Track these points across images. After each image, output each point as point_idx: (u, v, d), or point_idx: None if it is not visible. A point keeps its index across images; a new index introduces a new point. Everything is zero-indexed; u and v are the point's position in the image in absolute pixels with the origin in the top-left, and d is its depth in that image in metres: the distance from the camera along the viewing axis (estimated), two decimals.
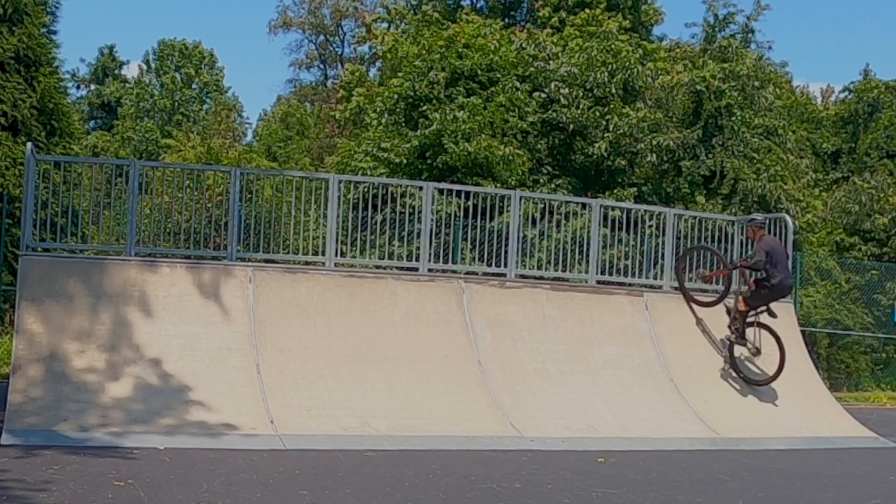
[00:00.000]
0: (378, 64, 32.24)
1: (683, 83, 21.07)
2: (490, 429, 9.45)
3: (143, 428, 8.28)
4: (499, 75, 20.77)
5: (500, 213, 12.67)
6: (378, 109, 21.72)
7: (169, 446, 7.93)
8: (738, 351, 11.54)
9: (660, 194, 20.70)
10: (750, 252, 12.09)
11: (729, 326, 11.59)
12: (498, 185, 18.08)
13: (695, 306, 11.95)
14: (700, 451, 9.62)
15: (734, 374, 11.39)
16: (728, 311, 11.71)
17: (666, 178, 21.27)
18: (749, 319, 11.47)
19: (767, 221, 12.19)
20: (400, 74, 21.47)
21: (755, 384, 11.36)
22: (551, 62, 21.40)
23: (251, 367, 9.28)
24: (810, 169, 24.30)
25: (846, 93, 32.84)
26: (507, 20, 27.98)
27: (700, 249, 12.65)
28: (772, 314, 11.45)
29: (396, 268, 12.09)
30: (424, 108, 19.88)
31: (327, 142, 33.38)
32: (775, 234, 13.11)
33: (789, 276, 11.74)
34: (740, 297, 11.55)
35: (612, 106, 20.59)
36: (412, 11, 29.61)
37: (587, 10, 24.59)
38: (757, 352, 11.51)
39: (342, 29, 45.58)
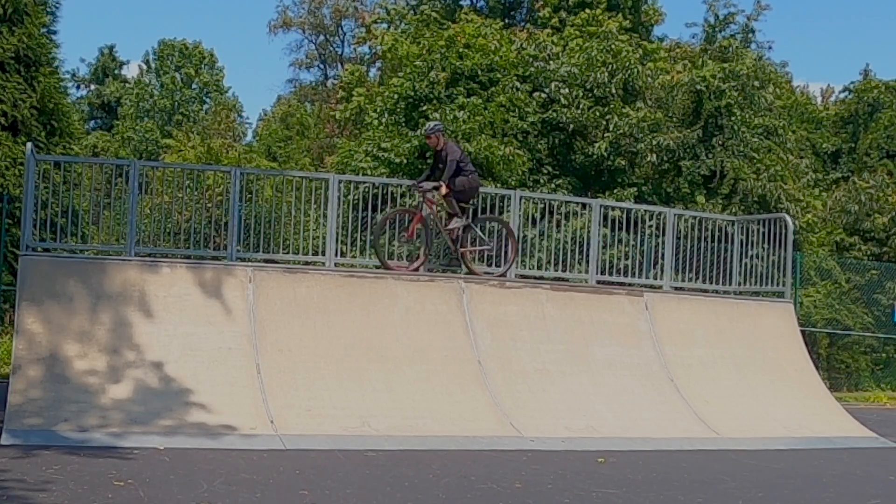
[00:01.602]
0: (378, 64, 32.25)
1: (683, 83, 21.08)
2: (490, 429, 9.45)
3: (143, 428, 8.28)
4: (499, 75, 20.77)
5: (501, 213, 12.67)
6: (378, 109, 21.73)
7: (169, 446, 7.93)
8: (466, 250, 11.35)
9: (660, 194, 20.71)
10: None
11: (455, 251, 11.30)
12: (498, 185, 18.08)
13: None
14: (700, 451, 9.62)
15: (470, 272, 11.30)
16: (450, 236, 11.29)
17: (666, 178, 21.28)
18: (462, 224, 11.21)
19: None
20: (400, 74, 21.48)
21: (501, 275, 11.43)
22: (551, 62, 21.41)
23: (251, 367, 9.28)
24: (810, 169, 24.31)
25: (846, 93, 32.85)
26: (506, 20, 27.99)
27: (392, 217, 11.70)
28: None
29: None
30: (425, 108, 19.89)
31: (327, 142, 33.40)
32: (775, 234, 13.13)
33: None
34: (441, 215, 11.24)
35: (612, 106, 20.59)
36: (412, 11, 29.62)
37: (587, 11, 24.60)
38: (487, 243, 11.47)
39: (342, 29, 45.63)
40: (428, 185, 11.11)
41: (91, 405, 8.45)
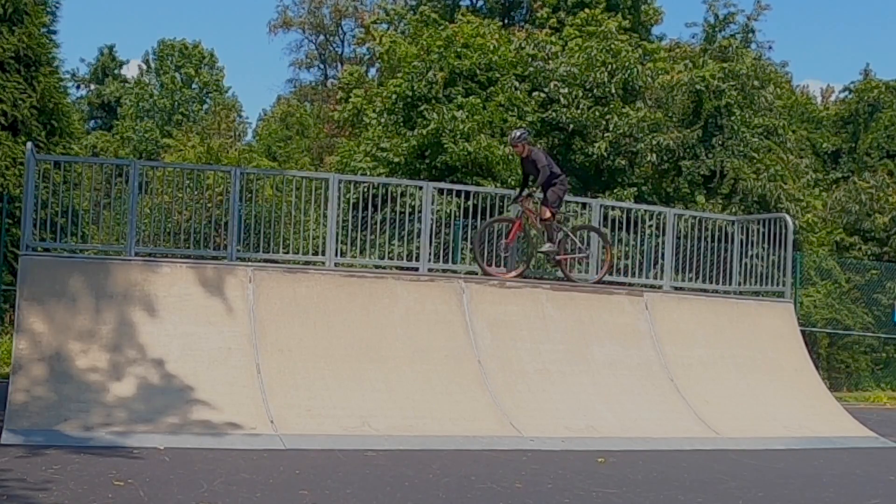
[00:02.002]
0: (377, 65, 32.26)
1: (683, 83, 21.09)
2: (490, 429, 9.45)
3: (143, 428, 8.28)
4: (498, 75, 20.78)
5: (501, 213, 12.67)
6: (377, 109, 21.75)
7: (169, 446, 7.93)
8: (565, 258, 11.63)
9: (660, 194, 20.72)
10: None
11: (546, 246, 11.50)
12: (498, 184, 18.08)
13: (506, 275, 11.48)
14: (700, 451, 9.61)
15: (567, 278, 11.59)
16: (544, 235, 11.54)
17: (666, 177, 21.29)
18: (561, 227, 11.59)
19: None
20: (399, 75, 21.49)
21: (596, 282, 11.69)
22: (550, 62, 21.42)
23: (251, 367, 9.28)
24: (810, 169, 24.32)
25: (846, 93, 32.85)
26: (505, 21, 28.01)
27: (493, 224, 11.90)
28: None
29: (396, 268, 12.10)
30: (423, 107, 19.90)
31: (327, 142, 33.42)
32: (775, 234, 13.13)
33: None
34: (542, 208, 11.38)
35: (611, 106, 20.60)
36: (411, 12, 29.63)
37: (586, 10, 24.61)
38: (583, 251, 11.78)
39: (342, 29, 45.64)
40: (527, 198, 11.47)
41: (92, 404, 8.45)
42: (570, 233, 11.80)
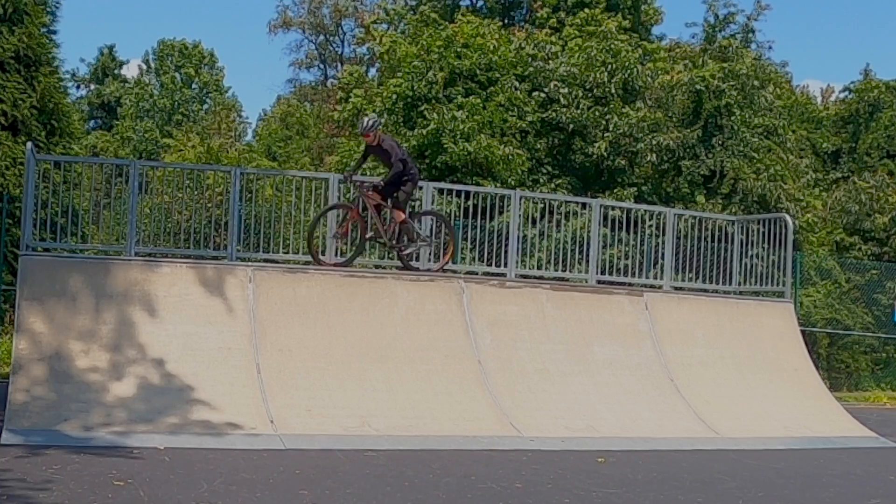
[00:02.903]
0: (377, 64, 32.26)
1: (683, 83, 21.09)
2: (490, 428, 9.45)
3: (143, 428, 8.28)
4: (498, 75, 20.78)
5: (500, 212, 12.68)
6: (377, 109, 21.74)
7: (169, 446, 7.93)
8: (411, 249, 11.05)
9: (660, 194, 20.73)
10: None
11: (393, 246, 10.94)
12: (498, 184, 18.08)
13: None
14: (700, 451, 9.62)
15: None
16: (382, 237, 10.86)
17: (666, 177, 21.30)
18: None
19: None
20: (399, 75, 21.49)
21: (438, 270, 11.02)
22: (550, 62, 21.42)
23: (251, 367, 9.28)
24: (810, 169, 24.33)
25: (846, 93, 32.83)
26: (505, 21, 28.00)
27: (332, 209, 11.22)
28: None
29: (396, 267, 12.09)
30: (423, 107, 19.90)
31: (327, 142, 33.40)
32: (775, 234, 13.14)
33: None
34: (395, 212, 10.72)
35: (611, 106, 20.60)
36: (411, 12, 29.62)
37: (586, 10, 24.61)
38: (426, 239, 11.09)
39: (342, 29, 45.61)
40: (369, 183, 10.77)
41: (91, 405, 8.45)
42: (410, 220, 10.95)
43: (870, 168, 27.80)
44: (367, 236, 10.89)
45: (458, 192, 13.60)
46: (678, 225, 13.45)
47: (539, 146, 20.60)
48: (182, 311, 9.55)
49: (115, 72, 47.07)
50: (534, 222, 15.71)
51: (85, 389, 8.61)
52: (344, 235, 10.97)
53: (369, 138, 10.66)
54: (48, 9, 17.05)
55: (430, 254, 11.52)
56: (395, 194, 10.68)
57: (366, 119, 10.76)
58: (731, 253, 13.22)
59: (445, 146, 18.88)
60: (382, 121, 10.87)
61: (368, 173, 14.34)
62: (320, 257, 10.83)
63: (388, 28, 31.25)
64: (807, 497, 7.65)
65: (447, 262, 11.35)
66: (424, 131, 19.25)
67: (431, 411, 9.47)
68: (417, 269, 11.07)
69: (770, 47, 29.65)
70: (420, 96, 20.33)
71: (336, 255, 11.22)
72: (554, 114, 20.60)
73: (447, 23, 23.68)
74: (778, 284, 13.22)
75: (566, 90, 20.68)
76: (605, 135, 20.34)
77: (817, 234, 23.66)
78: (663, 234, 12.84)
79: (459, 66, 20.58)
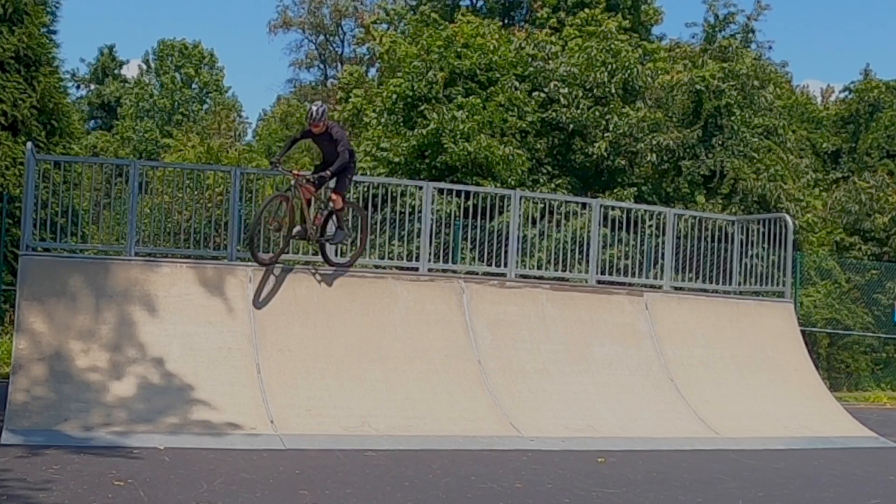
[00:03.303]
0: (377, 64, 32.27)
1: (683, 83, 21.08)
2: (490, 428, 9.45)
3: (143, 428, 8.29)
4: (498, 75, 20.78)
5: (500, 212, 12.68)
6: (377, 109, 21.75)
7: (169, 446, 7.93)
8: (339, 238, 10.59)
9: (660, 194, 20.72)
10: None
11: (318, 240, 10.52)
12: (498, 184, 18.08)
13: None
14: (700, 451, 9.62)
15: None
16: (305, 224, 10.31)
17: (666, 177, 21.29)
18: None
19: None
20: (399, 75, 21.49)
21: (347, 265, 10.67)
22: (550, 62, 21.42)
23: (251, 367, 9.28)
24: (810, 169, 24.31)
25: (846, 93, 32.83)
26: (505, 21, 28.00)
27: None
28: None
29: (396, 267, 12.09)
30: (423, 107, 19.90)
31: None
32: (775, 234, 13.13)
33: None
34: (334, 197, 10.28)
35: (611, 106, 20.59)
36: (411, 12, 29.63)
37: (586, 10, 24.61)
38: (348, 233, 10.65)
39: (342, 29, 45.60)
40: (308, 175, 10.23)
41: (91, 405, 8.46)
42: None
43: (870, 168, 27.79)
44: (294, 232, 10.28)
45: (458, 192, 13.60)
46: (678, 225, 13.45)
47: (539, 146, 20.59)
48: (182, 311, 9.56)
49: (115, 72, 47.09)
50: (534, 222, 15.70)
51: (85, 389, 8.62)
52: (279, 229, 10.37)
53: (319, 127, 10.09)
54: (48, 9, 17.05)
55: (347, 247, 11.11)
56: (339, 181, 10.22)
57: (314, 108, 10.14)
58: (731, 253, 13.22)
59: (445, 146, 18.88)
60: (327, 108, 10.27)
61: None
62: (260, 255, 10.21)
63: (388, 28, 31.27)
64: (807, 497, 7.65)
65: (360, 256, 10.87)
66: (424, 131, 19.25)
67: (431, 411, 9.47)
68: (338, 265, 10.64)
69: (770, 47, 29.66)
70: (420, 96, 20.32)
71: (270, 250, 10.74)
72: (554, 114, 20.59)
73: (447, 23, 23.68)
74: (778, 284, 13.22)
75: (566, 90, 20.67)
76: (605, 135, 20.33)
77: (817, 234, 23.65)
78: (663, 234, 12.84)
79: (459, 66, 20.58)
